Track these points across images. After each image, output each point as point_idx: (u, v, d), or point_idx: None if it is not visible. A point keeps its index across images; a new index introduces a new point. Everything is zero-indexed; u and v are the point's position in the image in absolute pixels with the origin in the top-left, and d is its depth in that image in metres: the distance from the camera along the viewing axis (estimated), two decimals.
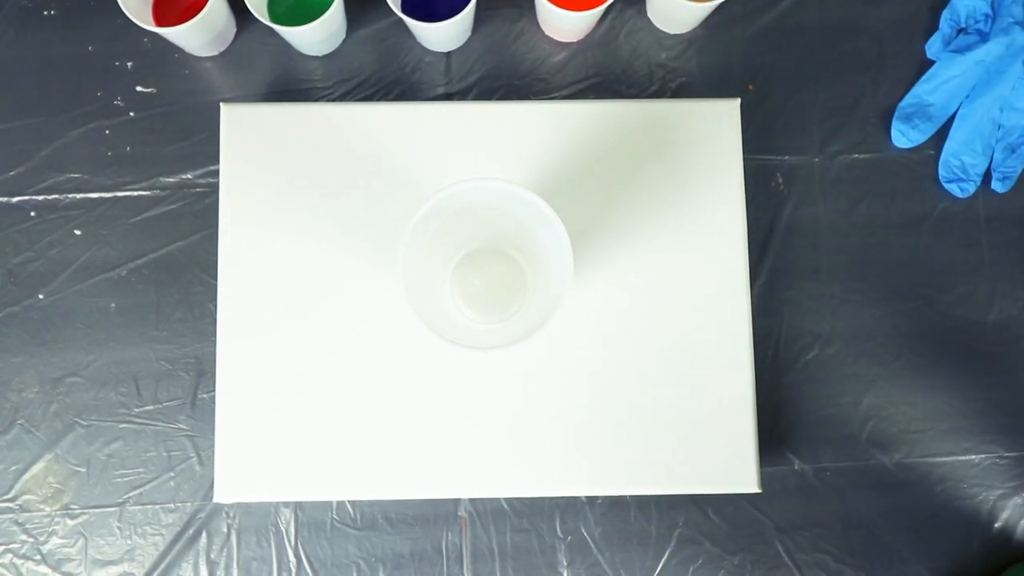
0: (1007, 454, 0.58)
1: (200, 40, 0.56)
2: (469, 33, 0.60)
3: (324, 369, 0.54)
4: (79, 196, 0.59)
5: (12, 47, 0.60)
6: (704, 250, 0.55)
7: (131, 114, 0.59)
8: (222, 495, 0.53)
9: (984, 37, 0.58)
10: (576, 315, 0.55)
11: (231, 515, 0.56)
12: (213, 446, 0.54)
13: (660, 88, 0.60)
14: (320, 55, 0.60)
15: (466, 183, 0.44)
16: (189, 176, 0.59)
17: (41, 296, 0.58)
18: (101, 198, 0.58)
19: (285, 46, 0.60)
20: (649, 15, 0.61)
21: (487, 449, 0.54)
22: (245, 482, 0.53)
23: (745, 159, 0.56)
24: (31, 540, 0.56)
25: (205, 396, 0.57)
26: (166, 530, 0.56)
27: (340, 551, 0.56)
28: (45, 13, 0.60)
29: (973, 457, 0.58)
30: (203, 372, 0.57)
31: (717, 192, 0.56)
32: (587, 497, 0.57)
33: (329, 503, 0.57)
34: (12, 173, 0.59)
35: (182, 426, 0.57)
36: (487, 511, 0.57)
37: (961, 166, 0.59)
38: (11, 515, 0.56)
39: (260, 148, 0.55)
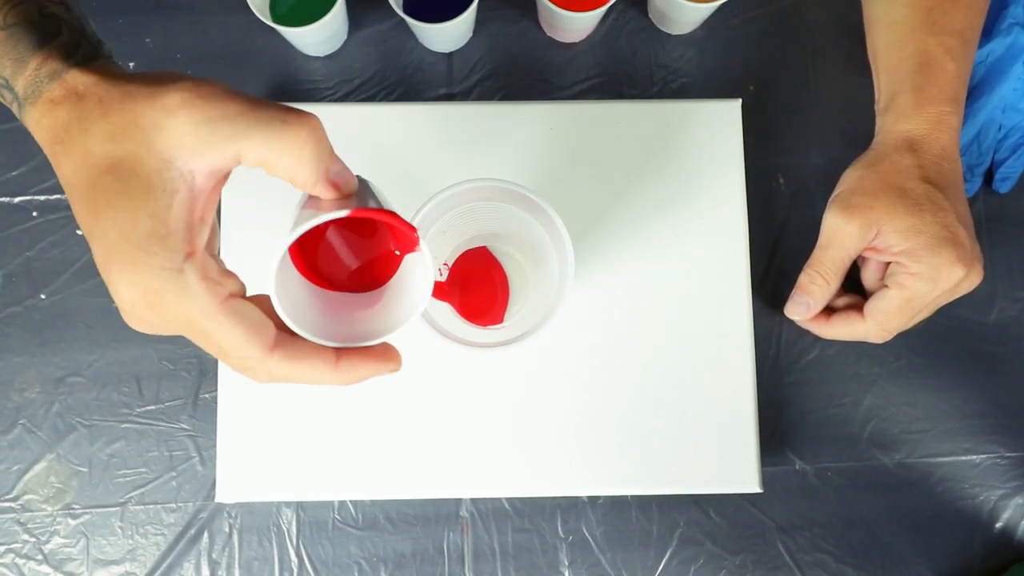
0: (1008, 454, 0.58)
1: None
2: (471, 34, 0.60)
3: None
4: None
5: None
6: (706, 250, 0.56)
7: None
8: (224, 495, 0.53)
9: (985, 38, 0.58)
10: (577, 314, 0.55)
11: (233, 515, 0.57)
12: (215, 446, 0.54)
13: (661, 88, 0.60)
14: (322, 55, 0.60)
15: (468, 183, 0.44)
16: None
17: (43, 296, 0.58)
18: None
19: (287, 46, 0.60)
20: (650, 16, 0.61)
21: (488, 449, 0.54)
22: (247, 482, 0.53)
23: (746, 159, 0.57)
24: (33, 540, 0.56)
25: (207, 396, 0.57)
26: (168, 530, 0.56)
27: (342, 551, 0.56)
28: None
29: (974, 457, 0.58)
30: (205, 372, 0.57)
31: (718, 192, 0.56)
32: (588, 497, 0.57)
33: (331, 503, 0.57)
34: (14, 173, 0.59)
35: (184, 426, 0.57)
36: (489, 511, 0.57)
37: (963, 167, 0.59)
38: (13, 515, 0.56)
39: None
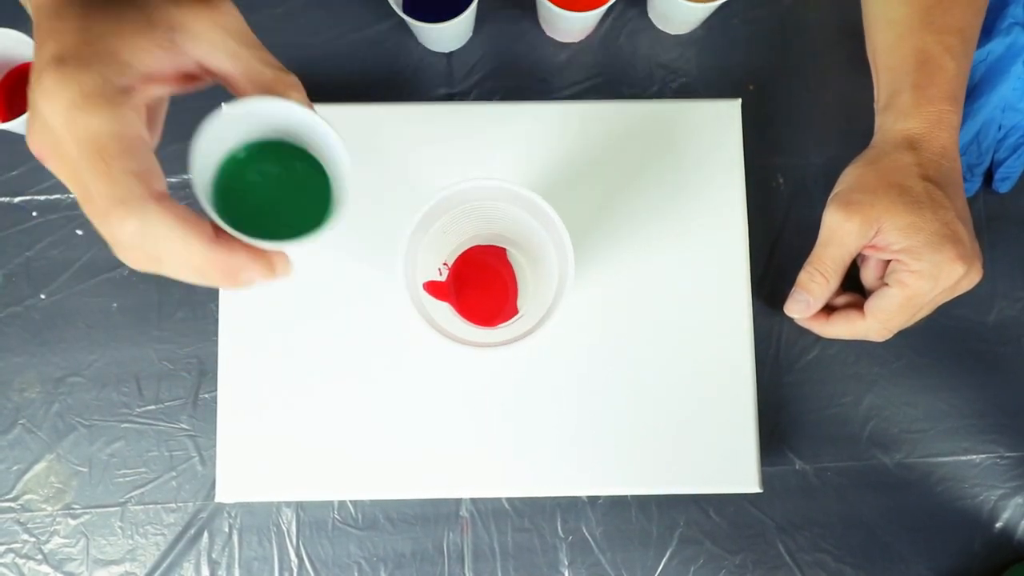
0: (1008, 454, 0.58)
1: None
2: (470, 34, 0.60)
3: (325, 368, 0.54)
4: None
5: None
6: (705, 250, 0.56)
7: None
8: (224, 495, 0.53)
9: (985, 38, 0.58)
10: (577, 315, 0.55)
11: (233, 515, 0.57)
12: (215, 446, 0.54)
13: (661, 88, 0.60)
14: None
15: (467, 183, 0.44)
16: (190, 176, 0.59)
17: (43, 296, 0.58)
18: None
19: (285, 45, 0.59)
20: (650, 16, 0.61)
21: (488, 449, 0.54)
22: (247, 482, 0.53)
23: (746, 159, 0.56)
24: (33, 540, 0.56)
25: (207, 396, 0.57)
26: (168, 530, 0.56)
27: (342, 551, 0.56)
28: None
29: (974, 457, 0.58)
30: (205, 372, 0.57)
31: (718, 192, 0.56)
32: (588, 497, 0.57)
33: (331, 503, 0.57)
34: (14, 173, 0.59)
35: (184, 426, 0.57)
36: (488, 511, 0.57)
37: (963, 166, 0.59)
38: (13, 515, 0.56)
39: None
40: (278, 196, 0.35)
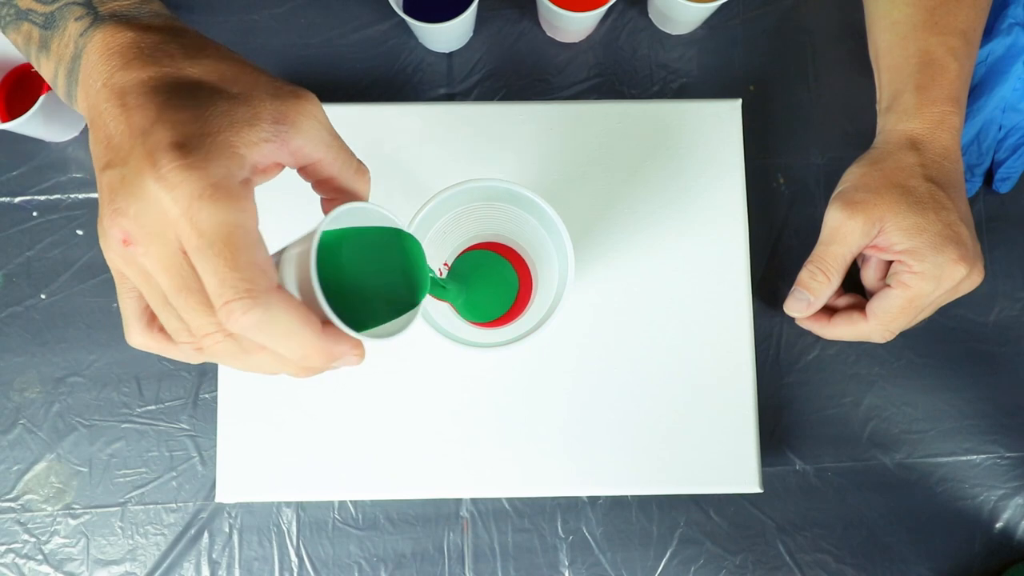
0: (1008, 454, 0.58)
1: None
2: (471, 34, 0.60)
3: None
4: (81, 196, 0.59)
5: None
6: (706, 250, 0.56)
7: None
8: (224, 495, 0.53)
9: (985, 38, 0.58)
10: (577, 315, 0.55)
11: (233, 515, 0.57)
12: (215, 446, 0.54)
13: (661, 88, 0.60)
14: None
15: (467, 183, 0.44)
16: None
17: (43, 296, 0.58)
18: None
19: (286, 45, 0.60)
20: (651, 16, 0.61)
21: (489, 449, 0.54)
22: (247, 482, 0.53)
23: (746, 159, 0.57)
24: (33, 540, 0.56)
25: (207, 396, 0.57)
26: (168, 530, 0.56)
27: (342, 551, 0.56)
28: None
29: (974, 457, 0.58)
30: (205, 372, 0.57)
31: (718, 192, 0.56)
32: (588, 497, 0.57)
33: (331, 503, 0.57)
34: (14, 173, 0.59)
35: (184, 426, 0.57)
36: (489, 511, 0.57)
37: (963, 166, 0.59)
38: (13, 515, 0.56)
39: None
40: (357, 283, 0.36)
